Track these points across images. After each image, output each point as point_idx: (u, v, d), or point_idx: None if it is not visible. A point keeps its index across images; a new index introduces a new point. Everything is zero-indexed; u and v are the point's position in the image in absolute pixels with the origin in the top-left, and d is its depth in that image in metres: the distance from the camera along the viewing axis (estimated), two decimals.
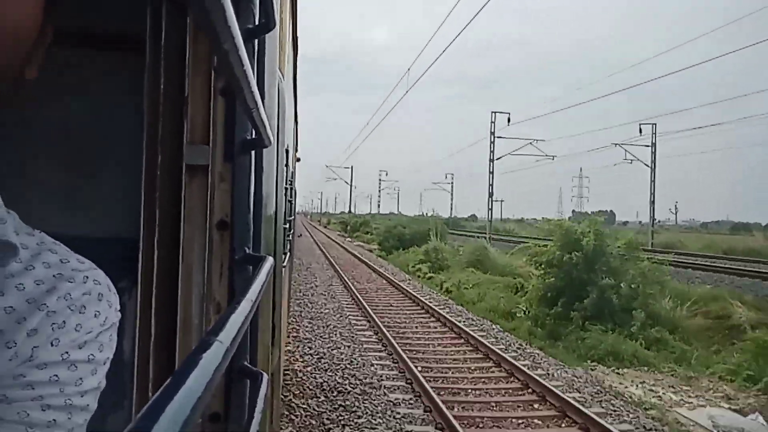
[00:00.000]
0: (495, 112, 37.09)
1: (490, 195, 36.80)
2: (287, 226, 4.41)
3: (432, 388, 7.85)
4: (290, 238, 5.99)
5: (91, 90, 2.24)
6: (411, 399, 7.81)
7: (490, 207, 37.17)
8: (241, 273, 1.04)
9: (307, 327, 12.03)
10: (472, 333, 11.26)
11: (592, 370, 10.06)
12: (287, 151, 3.25)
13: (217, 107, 1.20)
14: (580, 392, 8.33)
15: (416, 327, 12.57)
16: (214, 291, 1.16)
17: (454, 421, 6.63)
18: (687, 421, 7.63)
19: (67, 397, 0.60)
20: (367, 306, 14.18)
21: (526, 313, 14.55)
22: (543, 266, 14.75)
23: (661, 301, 13.43)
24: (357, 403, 7.55)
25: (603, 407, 7.66)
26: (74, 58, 2.06)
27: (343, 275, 20.76)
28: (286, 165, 3.36)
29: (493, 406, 7.64)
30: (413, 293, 16.55)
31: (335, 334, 11.45)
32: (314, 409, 7.32)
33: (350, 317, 13.32)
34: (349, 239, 48.22)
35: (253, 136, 1.04)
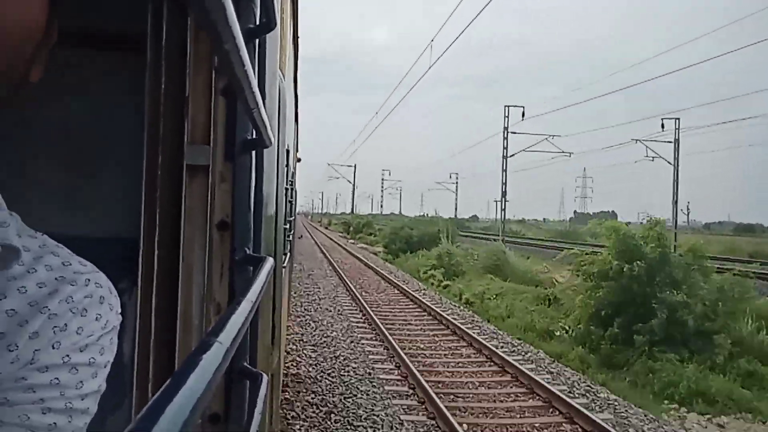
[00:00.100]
0: (508, 106, 33.63)
1: (503, 194, 33.73)
2: (288, 226, 4.42)
3: None
4: (290, 238, 5.99)
5: (92, 90, 2.25)
6: None
7: (503, 207, 34.14)
8: (242, 273, 1.04)
9: (310, 357, 9.74)
10: (518, 365, 9.02)
11: (681, 417, 7.94)
12: (288, 152, 3.25)
13: (218, 107, 1.20)
14: None
15: (447, 356, 10.18)
16: (214, 291, 1.16)
17: None
18: None
19: (68, 401, 0.60)
20: (382, 327, 11.75)
21: (569, 333, 12.41)
22: (594, 278, 12.32)
23: (742, 322, 11.22)
24: None
25: None
26: (74, 58, 2.06)
27: (349, 284, 18.45)
28: (287, 165, 3.36)
29: None
30: (433, 307, 14.30)
31: (347, 371, 9.01)
32: None
33: (363, 341, 11.00)
34: (351, 241, 47.26)
35: (254, 136, 1.04)
